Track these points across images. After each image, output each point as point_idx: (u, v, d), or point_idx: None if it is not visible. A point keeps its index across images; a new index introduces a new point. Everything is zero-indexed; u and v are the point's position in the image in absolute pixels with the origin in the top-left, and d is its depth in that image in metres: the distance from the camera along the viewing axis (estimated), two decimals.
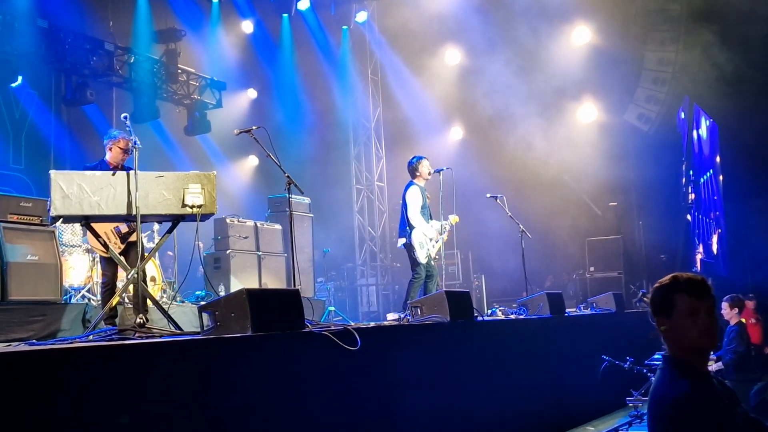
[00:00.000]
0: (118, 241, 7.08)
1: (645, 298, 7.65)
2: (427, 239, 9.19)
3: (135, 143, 6.06)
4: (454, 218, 9.85)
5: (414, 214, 9.15)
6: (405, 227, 9.25)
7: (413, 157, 9.58)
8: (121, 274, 7.59)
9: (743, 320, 9.76)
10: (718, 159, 16.17)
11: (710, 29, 13.89)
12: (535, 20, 15.31)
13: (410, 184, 9.41)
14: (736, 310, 9.07)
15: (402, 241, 9.30)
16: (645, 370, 7.91)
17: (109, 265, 7.15)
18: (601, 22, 15.50)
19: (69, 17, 13.19)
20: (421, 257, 9.12)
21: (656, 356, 8.08)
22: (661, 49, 15.26)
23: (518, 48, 15.47)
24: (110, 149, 7.32)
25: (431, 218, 9.44)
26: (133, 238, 6.93)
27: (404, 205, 9.31)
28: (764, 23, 12.74)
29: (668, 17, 15.20)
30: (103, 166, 7.24)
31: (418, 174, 9.40)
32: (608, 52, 15.18)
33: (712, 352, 8.31)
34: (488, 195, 10.54)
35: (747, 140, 14.02)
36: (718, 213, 16.45)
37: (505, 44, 15.55)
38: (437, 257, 9.87)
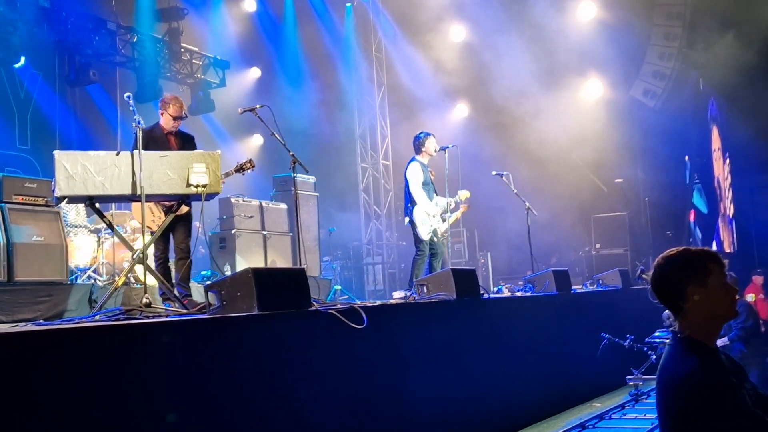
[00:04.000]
0: (162, 214, 7.02)
1: (644, 276, 7.60)
2: (430, 216, 9.14)
3: (138, 122, 6.04)
4: (464, 193, 9.80)
5: (416, 190, 9.10)
6: (408, 204, 9.21)
7: (420, 132, 9.52)
8: (127, 254, 7.59)
9: (751, 295, 9.75)
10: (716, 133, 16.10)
11: (717, 4, 13.77)
12: None
13: (412, 160, 9.36)
14: None
15: (408, 219, 9.27)
16: (645, 348, 7.89)
17: (160, 238, 6.99)
18: None
19: None
20: (423, 234, 9.07)
21: (657, 334, 8.06)
22: (668, 24, 15.13)
23: (523, 24, 15.36)
24: (161, 114, 7.30)
25: (436, 194, 9.38)
26: (182, 210, 6.78)
27: (406, 181, 9.27)
28: None
29: None
30: (156, 129, 7.24)
31: (423, 150, 9.33)
32: (614, 27, 15.05)
33: None
34: (494, 172, 10.50)
35: (754, 115, 13.93)
36: (725, 188, 16.39)
37: (510, 20, 15.43)
38: (446, 234, 9.85)
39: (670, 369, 2.85)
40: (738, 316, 8.69)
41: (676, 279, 2.86)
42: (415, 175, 9.15)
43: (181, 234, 7.14)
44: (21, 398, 3.25)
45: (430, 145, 9.33)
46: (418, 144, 9.36)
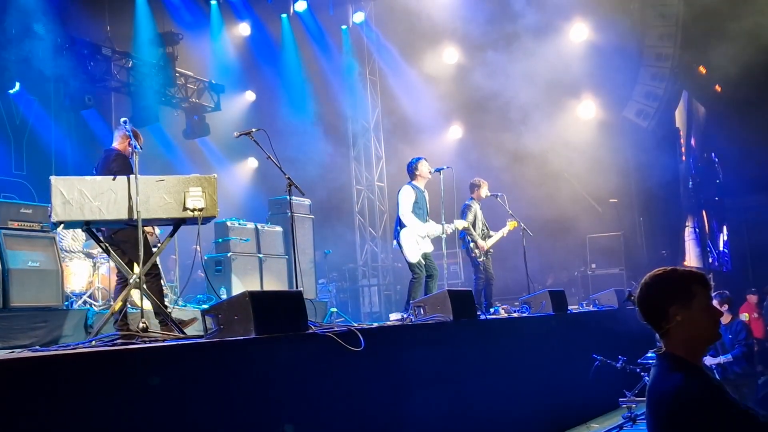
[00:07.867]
0: (152, 229, 6.89)
1: (632, 298, 7.54)
2: (419, 238, 9.13)
3: (135, 147, 6.04)
4: (512, 223, 10.37)
5: (405, 213, 9.11)
6: (396, 227, 9.23)
7: (412, 159, 9.57)
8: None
9: (745, 315, 9.73)
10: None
11: (707, 25, 13.90)
12: (533, 18, 15.29)
13: (406, 184, 9.38)
14: (726, 307, 8.89)
15: (395, 242, 9.27)
16: (638, 369, 7.83)
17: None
18: (599, 19, 15.49)
19: (66, 23, 13.16)
20: (411, 257, 9.07)
21: (649, 355, 8.00)
22: (660, 45, 15.26)
23: (516, 45, 15.45)
24: (130, 140, 6.83)
25: (428, 219, 9.36)
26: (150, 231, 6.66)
27: (397, 204, 9.30)
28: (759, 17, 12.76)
29: (665, 12, 15.20)
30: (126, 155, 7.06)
31: (417, 174, 9.37)
32: (606, 48, 15.17)
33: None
34: (489, 193, 10.54)
35: (746, 136, 14.02)
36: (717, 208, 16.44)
37: (503, 42, 15.53)
38: (491, 250, 10.38)
39: (657, 388, 2.87)
40: (739, 334, 8.70)
41: (660, 299, 2.92)
42: (406, 198, 9.17)
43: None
44: (17, 425, 3.24)
45: (423, 168, 9.37)
46: (412, 169, 9.42)
